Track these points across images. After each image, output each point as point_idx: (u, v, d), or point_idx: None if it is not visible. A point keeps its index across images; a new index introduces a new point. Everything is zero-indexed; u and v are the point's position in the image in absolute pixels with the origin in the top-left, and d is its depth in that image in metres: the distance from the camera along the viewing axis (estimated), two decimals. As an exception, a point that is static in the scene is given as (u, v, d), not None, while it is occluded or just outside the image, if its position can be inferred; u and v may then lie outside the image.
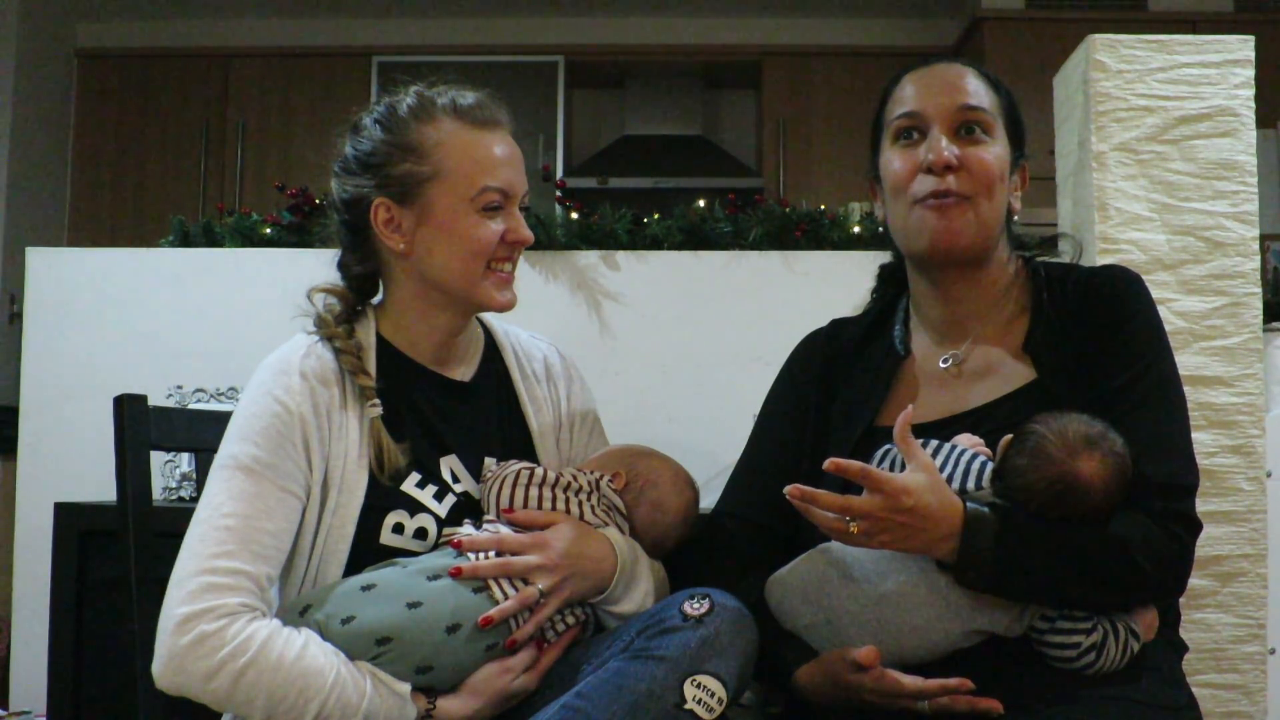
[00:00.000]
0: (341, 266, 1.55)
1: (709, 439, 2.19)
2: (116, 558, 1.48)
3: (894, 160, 1.47)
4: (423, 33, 5.32)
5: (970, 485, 1.31)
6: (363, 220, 1.48)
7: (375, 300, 1.57)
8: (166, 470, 2.56)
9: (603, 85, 5.48)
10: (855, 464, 1.27)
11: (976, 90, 1.46)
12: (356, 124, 1.52)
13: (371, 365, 1.47)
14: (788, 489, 1.29)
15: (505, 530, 1.41)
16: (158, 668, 1.27)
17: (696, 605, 1.28)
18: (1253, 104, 2.01)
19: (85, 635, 2.20)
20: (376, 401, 1.43)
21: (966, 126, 1.45)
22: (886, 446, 1.38)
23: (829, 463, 1.27)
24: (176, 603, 1.27)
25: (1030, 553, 1.26)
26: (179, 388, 2.67)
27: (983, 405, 1.44)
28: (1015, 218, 1.54)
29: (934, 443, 1.35)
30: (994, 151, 1.45)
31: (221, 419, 1.44)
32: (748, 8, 5.29)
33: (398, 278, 1.51)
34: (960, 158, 1.43)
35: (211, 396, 2.66)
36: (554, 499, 1.45)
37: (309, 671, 1.25)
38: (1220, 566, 1.94)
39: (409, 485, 1.45)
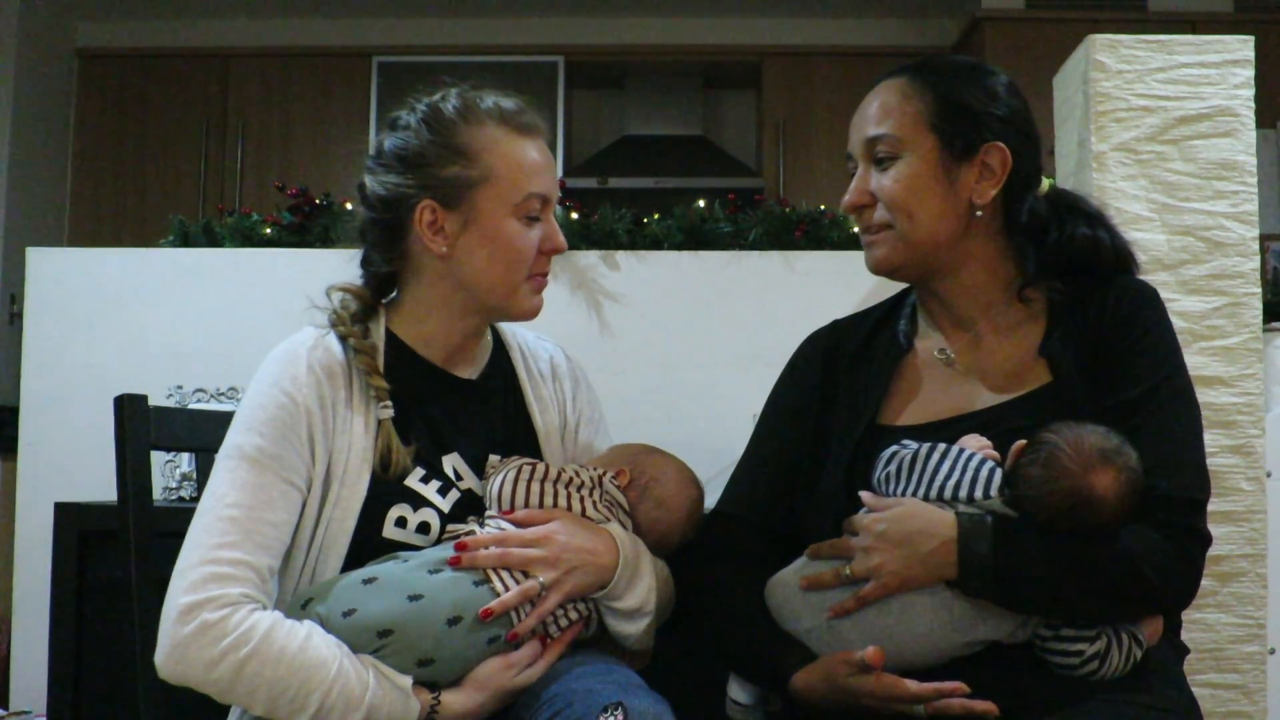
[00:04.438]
0: (365, 263, 1.53)
1: (709, 439, 2.18)
2: (116, 558, 1.48)
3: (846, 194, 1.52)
4: (423, 33, 5.31)
5: (978, 494, 1.30)
6: (401, 220, 1.46)
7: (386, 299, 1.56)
8: (166, 470, 2.56)
9: (603, 85, 5.47)
10: (825, 545, 1.39)
11: (884, 112, 1.47)
12: (395, 120, 1.50)
13: (382, 364, 1.46)
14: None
15: (508, 527, 1.41)
16: (160, 657, 1.27)
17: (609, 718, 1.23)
18: (1253, 104, 2.01)
19: (85, 635, 2.20)
20: (389, 404, 1.43)
21: (875, 157, 1.47)
22: (893, 449, 1.38)
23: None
24: (179, 592, 1.27)
25: (1030, 556, 1.26)
26: (179, 388, 2.67)
27: (994, 406, 1.44)
28: (978, 210, 1.45)
29: (941, 446, 1.35)
30: (898, 173, 1.45)
31: (221, 419, 1.44)
32: (748, 8, 5.29)
33: (427, 278, 1.49)
34: (872, 190, 1.47)
35: (211, 396, 2.66)
36: (555, 494, 1.45)
37: (311, 663, 1.25)
38: (1220, 566, 1.94)
39: (413, 480, 1.44)
